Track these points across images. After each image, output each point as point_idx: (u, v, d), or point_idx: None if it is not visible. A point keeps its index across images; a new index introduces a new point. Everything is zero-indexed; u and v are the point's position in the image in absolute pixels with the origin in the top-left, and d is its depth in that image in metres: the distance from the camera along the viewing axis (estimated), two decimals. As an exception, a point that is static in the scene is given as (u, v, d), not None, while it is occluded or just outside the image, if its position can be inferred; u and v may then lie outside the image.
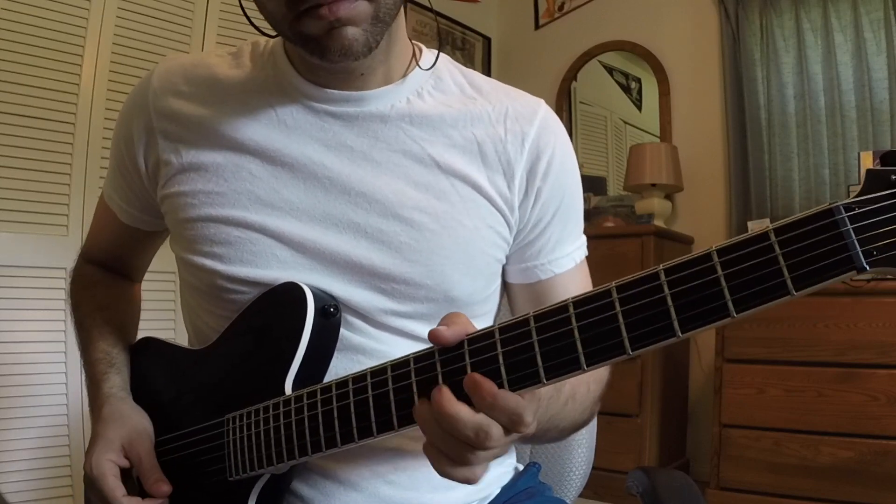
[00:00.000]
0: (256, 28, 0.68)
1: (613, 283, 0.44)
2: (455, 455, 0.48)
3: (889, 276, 1.97)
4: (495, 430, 0.46)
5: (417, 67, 0.70)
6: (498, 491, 0.75)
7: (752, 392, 2.11)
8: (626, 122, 3.11)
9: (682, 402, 2.67)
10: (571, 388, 0.62)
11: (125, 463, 0.67)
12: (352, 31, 0.57)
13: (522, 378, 0.46)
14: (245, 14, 0.68)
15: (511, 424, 0.46)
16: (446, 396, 0.47)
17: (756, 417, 2.10)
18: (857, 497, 1.92)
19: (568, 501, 0.89)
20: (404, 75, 0.69)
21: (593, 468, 0.93)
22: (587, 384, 0.65)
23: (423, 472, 0.66)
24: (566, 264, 0.72)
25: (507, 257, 0.72)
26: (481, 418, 0.46)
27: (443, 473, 0.49)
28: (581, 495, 0.93)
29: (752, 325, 2.12)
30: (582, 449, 0.91)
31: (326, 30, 0.57)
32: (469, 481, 0.49)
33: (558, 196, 0.71)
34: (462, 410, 0.46)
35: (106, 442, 0.67)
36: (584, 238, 0.76)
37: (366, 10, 0.57)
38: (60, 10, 1.80)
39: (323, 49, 0.58)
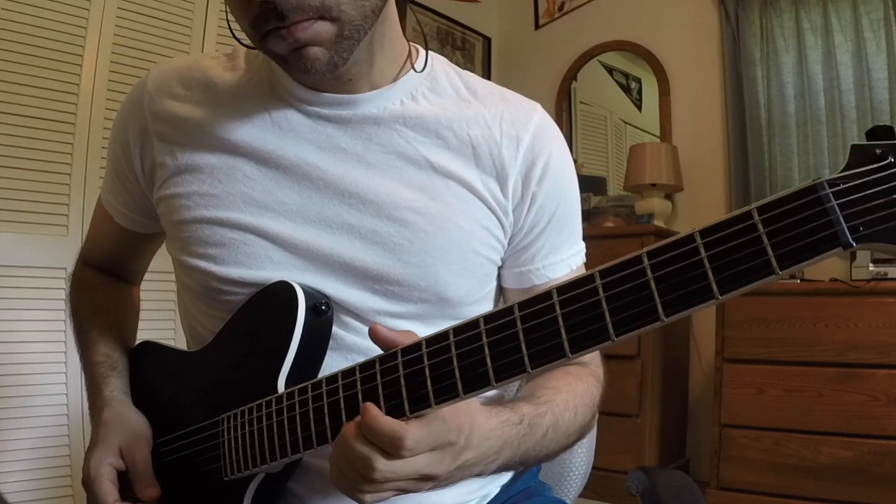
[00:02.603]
0: (241, 43, 0.69)
1: (596, 269, 0.44)
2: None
3: (889, 276, 1.97)
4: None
5: (412, 69, 0.70)
6: (497, 490, 0.75)
7: (752, 392, 2.11)
8: (626, 122, 3.11)
9: (682, 402, 2.67)
10: (554, 416, 0.61)
11: (122, 466, 0.67)
12: (314, 51, 0.57)
13: (508, 366, 0.46)
14: (231, 31, 0.67)
15: (391, 448, 0.47)
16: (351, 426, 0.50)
17: (756, 417, 2.10)
18: (857, 497, 1.92)
19: (568, 501, 0.89)
20: (398, 77, 0.69)
21: (593, 468, 0.92)
22: (574, 409, 0.64)
23: None
24: (561, 270, 0.72)
25: (503, 261, 0.72)
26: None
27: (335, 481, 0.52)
28: (581, 495, 0.93)
29: (752, 325, 2.12)
30: (582, 449, 0.91)
31: (290, 49, 0.57)
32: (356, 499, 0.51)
33: (554, 201, 0.71)
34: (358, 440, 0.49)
35: (105, 445, 0.67)
36: (582, 245, 0.76)
37: (327, 30, 0.57)
38: (60, 10, 1.80)
39: (289, 67, 0.59)
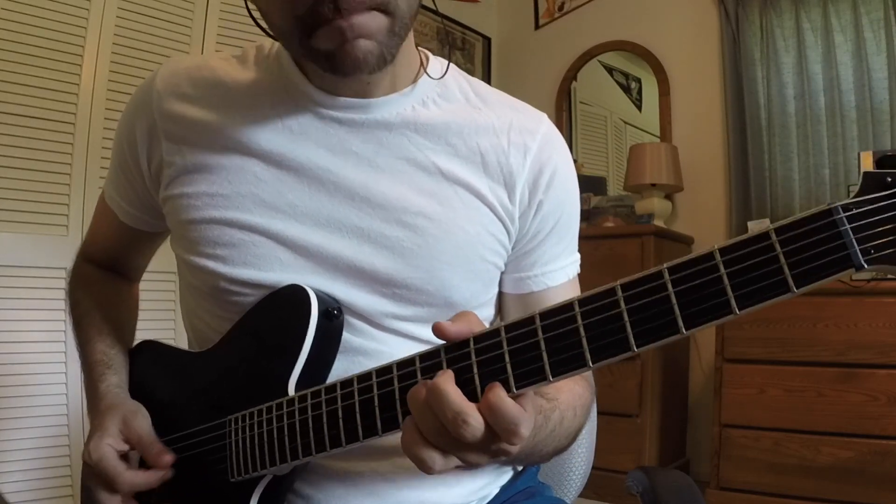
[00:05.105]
0: (263, 29, 0.68)
1: (618, 282, 0.45)
2: (428, 433, 0.47)
3: (889, 276, 1.98)
4: (474, 421, 0.45)
5: (425, 75, 0.70)
6: (497, 491, 0.75)
7: (752, 392, 2.11)
8: (626, 122, 3.12)
9: (682, 402, 2.67)
10: (560, 413, 0.62)
11: (124, 447, 0.67)
12: (365, 45, 0.56)
13: (528, 374, 0.46)
14: (251, 15, 0.67)
15: (506, 433, 0.46)
16: (446, 376, 0.47)
17: (756, 417, 2.10)
18: (857, 497, 1.92)
19: (568, 501, 0.89)
20: (411, 83, 0.69)
21: (593, 468, 0.93)
22: (574, 409, 0.65)
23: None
24: (559, 278, 0.73)
25: (504, 265, 0.72)
26: (465, 405, 0.46)
27: (406, 445, 0.48)
28: (581, 495, 0.93)
29: (752, 325, 2.12)
30: (582, 449, 0.91)
31: (339, 44, 0.56)
32: (425, 467, 0.48)
33: (558, 210, 0.72)
34: (452, 391, 0.46)
35: (101, 430, 0.67)
36: (578, 255, 0.77)
37: (381, 23, 0.57)
38: (60, 10, 1.80)
39: (335, 64, 0.58)
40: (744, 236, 0.42)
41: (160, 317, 1.94)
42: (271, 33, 0.64)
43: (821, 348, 2.02)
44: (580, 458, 0.91)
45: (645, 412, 2.36)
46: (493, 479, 0.75)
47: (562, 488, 0.91)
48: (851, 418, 1.96)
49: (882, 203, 0.39)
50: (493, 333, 0.48)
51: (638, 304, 0.44)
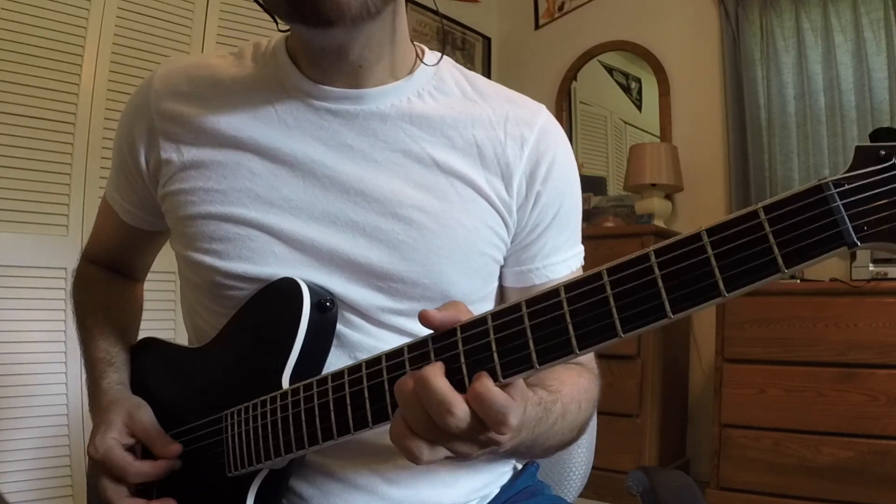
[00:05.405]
0: (260, 4, 0.67)
1: (604, 267, 0.44)
2: (415, 424, 0.47)
3: (889, 276, 1.98)
4: (459, 412, 0.45)
5: (421, 65, 0.70)
6: (497, 490, 0.75)
7: (752, 392, 2.11)
8: (626, 122, 3.11)
9: (682, 402, 2.67)
10: (563, 406, 0.61)
11: (129, 440, 0.67)
12: None
13: (515, 363, 0.46)
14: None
15: (494, 423, 0.46)
16: (435, 367, 0.47)
17: (756, 417, 2.10)
18: (857, 497, 1.92)
19: (568, 501, 0.89)
20: (406, 75, 0.69)
21: (593, 468, 0.93)
22: (579, 402, 0.65)
23: (421, 471, 0.66)
24: (561, 271, 0.73)
25: (505, 259, 0.72)
26: (451, 396, 0.46)
27: (394, 436, 0.49)
28: (581, 495, 0.93)
29: (752, 325, 2.12)
30: (582, 449, 0.91)
31: None
32: (412, 456, 0.48)
33: (557, 201, 0.71)
34: (439, 382, 0.46)
35: (107, 424, 0.67)
36: (581, 248, 0.76)
37: None
38: (60, 10, 1.80)
39: (318, 10, 0.56)
40: (731, 216, 0.40)
41: (160, 317, 1.94)
42: (267, 10, 0.64)
43: (821, 348, 2.02)
44: (580, 458, 0.91)
45: (645, 412, 2.36)
46: (494, 479, 0.75)
47: (562, 488, 0.91)
48: (851, 418, 1.95)
49: (875, 178, 0.37)
50: (479, 322, 0.48)
51: (624, 289, 0.42)
